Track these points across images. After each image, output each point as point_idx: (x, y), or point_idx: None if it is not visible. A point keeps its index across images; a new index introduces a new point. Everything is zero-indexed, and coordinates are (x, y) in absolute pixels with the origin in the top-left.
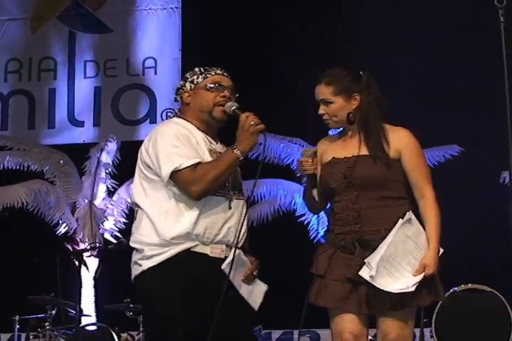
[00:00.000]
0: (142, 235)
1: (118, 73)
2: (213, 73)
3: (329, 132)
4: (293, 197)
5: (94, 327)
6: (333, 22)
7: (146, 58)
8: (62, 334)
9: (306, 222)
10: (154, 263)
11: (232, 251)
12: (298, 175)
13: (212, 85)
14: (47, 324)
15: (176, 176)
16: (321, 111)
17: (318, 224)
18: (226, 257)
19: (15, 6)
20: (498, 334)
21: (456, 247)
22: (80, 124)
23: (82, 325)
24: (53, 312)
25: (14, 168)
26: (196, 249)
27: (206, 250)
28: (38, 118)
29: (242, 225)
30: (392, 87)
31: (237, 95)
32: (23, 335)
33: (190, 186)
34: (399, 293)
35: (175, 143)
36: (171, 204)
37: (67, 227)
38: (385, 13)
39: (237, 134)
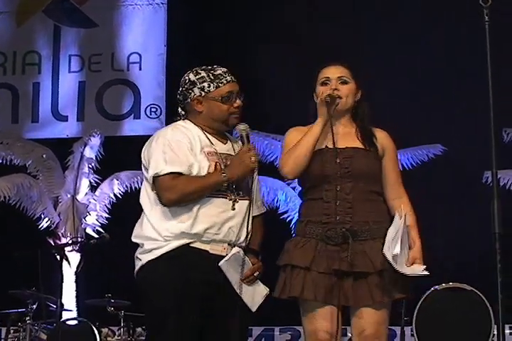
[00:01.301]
0: (143, 231)
1: (103, 68)
2: (225, 82)
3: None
4: (276, 195)
5: (75, 322)
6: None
7: (131, 53)
8: (42, 328)
9: (288, 220)
10: (153, 257)
11: (233, 250)
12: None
13: (227, 97)
14: (28, 318)
15: (156, 180)
16: (334, 86)
17: None
18: (228, 254)
19: (0, 0)
20: (478, 332)
21: (437, 246)
22: (64, 119)
23: (63, 319)
24: (34, 306)
25: None
26: (196, 245)
27: (206, 247)
28: (21, 112)
29: (247, 225)
30: (377, 86)
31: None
32: (4, 329)
33: (165, 192)
34: (407, 277)
35: (164, 149)
36: None
37: (49, 222)
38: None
39: (232, 159)
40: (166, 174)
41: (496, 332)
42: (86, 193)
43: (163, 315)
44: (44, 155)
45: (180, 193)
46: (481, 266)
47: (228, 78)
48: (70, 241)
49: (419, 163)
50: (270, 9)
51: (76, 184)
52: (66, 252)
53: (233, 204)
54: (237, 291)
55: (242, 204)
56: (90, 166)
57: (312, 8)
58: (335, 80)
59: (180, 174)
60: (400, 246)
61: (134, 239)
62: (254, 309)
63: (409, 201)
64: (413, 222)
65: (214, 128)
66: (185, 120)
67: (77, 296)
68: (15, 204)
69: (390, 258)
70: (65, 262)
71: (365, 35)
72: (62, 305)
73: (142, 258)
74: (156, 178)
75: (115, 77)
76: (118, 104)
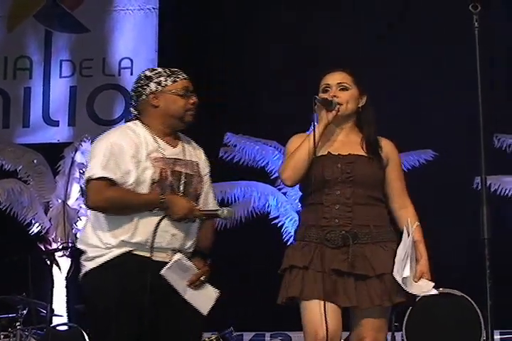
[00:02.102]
0: (86, 237)
1: (94, 73)
2: (181, 77)
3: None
4: (267, 200)
5: (65, 327)
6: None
7: (123, 58)
8: (33, 334)
9: (279, 225)
10: (96, 265)
11: (174, 256)
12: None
13: (184, 91)
14: (18, 324)
15: (88, 183)
16: (333, 94)
17: (291, 227)
18: (171, 260)
19: None
20: (468, 338)
21: (427, 251)
22: (55, 124)
23: (53, 325)
24: (24, 312)
25: None
26: (138, 252)
27: (149, 253)
28: (12, 117)
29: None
30: (368, 90)
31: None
32: None
33: (92, 196)
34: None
35: (105, 153)
36: None
37: (40, 227)
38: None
39: (181, 203)
40: (99, 178)
41: (485, 338)
42: (77, 198)
43: (103, 323)
44: (35, 161)
45: (106, 201)
46: (470, 271)
47: (184, 75)
48: (61, 247)
49: (410, 169)
50: (265, 12)
51: (67, 189)
52: (57, 257)
53: None
54: (185, 298)
55: None
56: (81, 171)
57: (310, 8)
58: (335, 87)
59: (111, 180)
60: (410, 268)
61: (78, 245)
62: (205, 313)
63: (415, 211)
64: (420, 235)
65: (169, 126)
66: (136, 121)
67: (67, 301)
68: (5, 209)
69: (399, 280)
70: (55, 267)
71: (363, 37)
72: (52, 310)
73: (86, 265)
74: (88, 181)
75: (106, 82)
76: (109, 109)
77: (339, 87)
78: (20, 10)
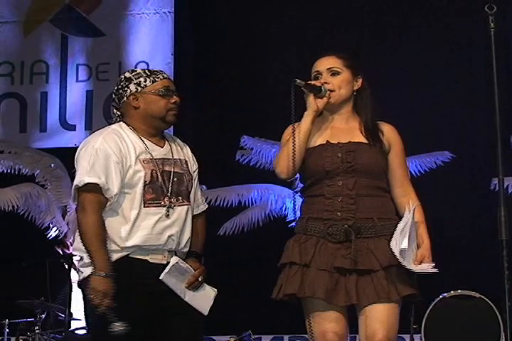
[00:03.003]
0: (81, 243)
1: (110, 77)
2: (161, 77)
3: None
4: (284, 202)
5: (83, 331)
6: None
7: (139, 62)
8: (51, 338)
9: None
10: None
11: (171, 260)
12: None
13: (163, 91)
14: (36, 328)
15: (78, 193)
16: (323, 80)
17: None
18: (168, 262)
19: (7, 10)
20: (487, 340)
21: (446, 253)
22: (72, 128)
23: (71, 328)
24: (43, 316)
25: (5, 171)
26: (135, 255)
27: (146, 257)
28: (29, 122)
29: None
30: (384, 90)
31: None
32: (13, 339)
33: (80, 210)
34: (401, 279)
35: (90, 160)
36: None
37: (57, 231)
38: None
39: (98, 287)
40: (86, 184)
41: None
42: None
43: (105, 331)
44: (52, 165)
45: (81, 226)
46: (488, 273)
47: (165, 75)
48: None
49: (427, 171)
50: (276, 16)
51: None
52: (74, 261)
53: (167, 212)
54: (186, 300)
55: (182, 210)
56: None
57: (320, 12)
58: (325, 73)
59: (97, 186)
60: (408, 241)
61: (74, 252)
62: (205, 313)
63: (417, 198)
64: (421, 218)
65: (152, 126)
66: (121, 123)
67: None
68: (23, 213)
69: (397, 253)
70: (73, 271)
71: (370, 37)
72: (70, 314)
73: (83, 271)
74: (78, 190)
75: None
76: None
77: (330, 72)
78: (36, 14)
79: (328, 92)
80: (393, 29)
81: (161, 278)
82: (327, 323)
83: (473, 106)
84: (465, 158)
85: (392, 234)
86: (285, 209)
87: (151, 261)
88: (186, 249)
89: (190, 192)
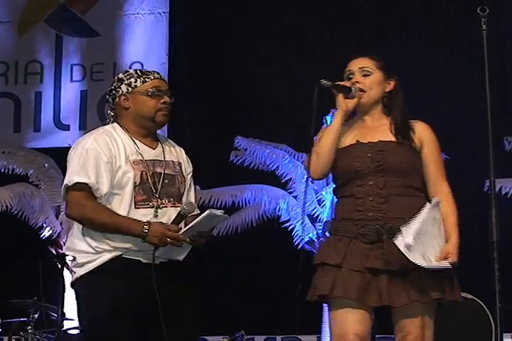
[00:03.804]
0: (74, 243)
1: (104, 77)
2: (152, 77)
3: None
4: (277, 203)
5: (76, 331)
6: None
7: (133, 63)
8: (44, 337)
9: (290, 228)
10: (86, 271)
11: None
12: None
13: (153, 91)
14: (29, 327)
15: (67, 192)
16: (355, 80)
17: (302, 231)
18: (161, 262)
19: (2, 10)
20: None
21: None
22: (66, 128)
23: (64, 328)
24: (36, 315)
25: None
26: (128, 255)
27: (139, 257)
28: (23, 122)
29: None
30: None
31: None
32: (6, 339)
33: (69, 206)
34: (420, 283)
35: (79, 160)
36: None
37: (51, 231)
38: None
39: (155, 229)
40: (75, 185)
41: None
42: None
43: (98, 331)
44: (46, 165)
45: (83, 216)
46: (481, 275)
47: (156, 75)
48: None
49: None
50: (276, 16)
51: None
52: (68, 261)
53: (155, 212)
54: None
55: (174, 212)
56: None
57: (320, 11)
58: (357, 73)
59: (89, 188)
60: (415, 236)
61: (66, 252)
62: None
63: (452, 195)
64: (451, 214)
65: (143, 127)
66: (114, 124)
67: None
68: (17, 213)
69: (401, 247)
70: (66, 271)
71: (370, 37)
72: (63, 314)
73: (76, 271)
74: (67, 189)
75: None
76: None
77: (361, 72)
78: (30, 15)
79: (359, 92)
80: (393, 29)
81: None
82: (350, 324)
83: (473, 106)
84: (459, 159)
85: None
86: (278, 210)
87: (143, 261)
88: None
89: (182, 194)
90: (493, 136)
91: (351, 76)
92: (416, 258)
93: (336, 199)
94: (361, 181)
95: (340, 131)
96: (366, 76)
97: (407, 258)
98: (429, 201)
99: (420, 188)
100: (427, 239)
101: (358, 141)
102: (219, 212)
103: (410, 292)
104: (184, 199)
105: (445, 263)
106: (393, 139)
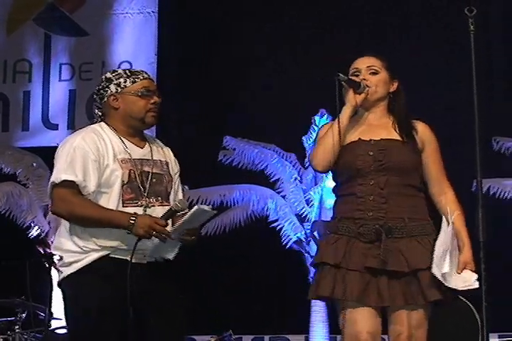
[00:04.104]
0: (61, 242)
1: (93, 76)
2: (141, 77)
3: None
4: (266, 203)
5: (64, 331)
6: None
7: (122, 62)
8: (32, 337)
9: (278, 228)
10: (73, 270)
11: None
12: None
13: (143, 91)
14: (17, 327)
15: (53, 189)
16: (362, 77)
17: (290, 230)
18: (148, 262)
19: None
20: (466, 340)
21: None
22: (54, 127)
23: (52, 328)
24: (23, 315)
25: None
26: (115, 255)
27: (126, 257)
28: (12, 121)
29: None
30: None
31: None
32: None
33: (55, 203)
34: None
35: (67, 158)
36: None
37: (39, 230)
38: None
39: (142, 221)
40: (62, 182)
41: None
42: None
43: (85, 330)
44: (34, 164)
45: (68, 213)
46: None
47: (145, 75)
48: None
49: None
50: (267, 15)
51: None
52: (55, 260)
53: (144, 211)
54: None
55: (162, 211)
56: None
57: (320, 11)
58: (364, 70)
59: (76, 185)
60: (450, 263)
61: (53, 251)
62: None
63: (455, 196)
64: (461, 224)
65: (131, 127)
66: (101, 123)
67: None
68: (4, 212)
69: (439, 276)
70: (54, 270)
71: (371, 37)
72: (51, 313)
73: (63, 271)
74: (53, 187)
75: None
76: None
77: (369, 70)
78: (19, 13)
79: (367, 88)
80: (393, 29)
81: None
82: (360, 323)
83: (456, 106)
84: (447, 159)
85: (422, 235)
86: (267, 210)
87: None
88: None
89: (169, 193)
90: (481, 136)
91: (357, 73)
92: (455, 284)
93: (335, 198)
94: (362, 180)
95: (347, 125)
96: (373, 74)
97: (429, 265)
98: (430, 199)
99: (420, 187)
100: (453, 256)
101: (360, 138)
102: (207, 208)
103: (407, 294)
104: (172, 198)
105: (475, 283)
106: (396, 137)
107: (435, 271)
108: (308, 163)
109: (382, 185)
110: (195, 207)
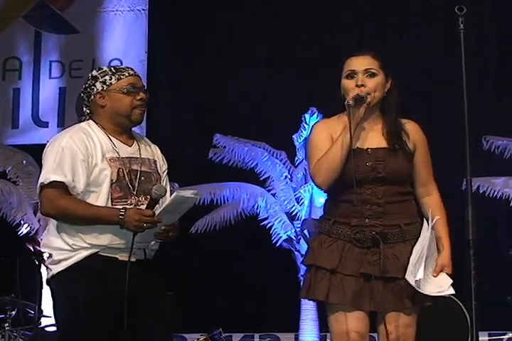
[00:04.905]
0: (50, 240)
1: (83, 74)
2: (127, 74)
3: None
4: (256, 201)
5: (53, 328)
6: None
7: (112, 60)
8: (21, 335)
9: (268, 226)
10: (62, 268)
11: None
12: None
13: (129, 88)
14: (6, 324)
15: (42, 189)
16: (360, 82)
17: (280, 228)
18: (138, 259)
19: None
20: (456, 339)
21: None
22: (44, 125)
23: (41, 325)
24: (13, 312)
25: None
26: (104, 253)
27: (115, 254)
28: (1, 118)
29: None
30: None
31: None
32: None
33: (46, 203)
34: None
35: (56, 158)
36: None
37: (28, 228)
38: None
39: (130, 215)
40: (51, 183)
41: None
42: None
43: (74, 327)
44: (24, 161)
45: (58, 211)
46: (456, 272)
47: (131, 72)
48: None
49: None
50: (258, 13)
51: None
52: (45, 258)
53: None
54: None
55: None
56: None
57: (320, 11)
58: (361, 74)
59: (64, 186)
60: (425, 266)
61: (42, 249)
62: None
63: (440, 198)
64: (443, 228)
65: (119, 125)
66: (89, 121)
67: None
68: None
69: (412, 283)
70: (43, 268)
71: (371, 37)
72: (41, 311)
73: (52, 268)
74: (42, 188)
75: None
76: None
77: (366, 73)
78: (9, 11)
79: (368, 97)
80: (393, 29)
81: (177, 193)
82: (350, 323)
83: (446, 105)
84: (437, 158)
85: (416, 238)
86: (257, 208)
87: (120, 258)
88: (155, 247)
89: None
90: (472, 136)
91: (354, 75)
92: (428, 290)
93: (326, 197)
94: (359, 189)
95: (351, 140)
96: (371, 76)
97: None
98: (418, 201)
99: (411, 192)
100: (430, 260)
101: (357, 147)
102: (188, 193)
103: (403, 299)
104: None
105: (450, 289)
106: (391, 145)
107: (409, 278)
108: (298, 162)
109: (380, 195)
110: (174, 194)
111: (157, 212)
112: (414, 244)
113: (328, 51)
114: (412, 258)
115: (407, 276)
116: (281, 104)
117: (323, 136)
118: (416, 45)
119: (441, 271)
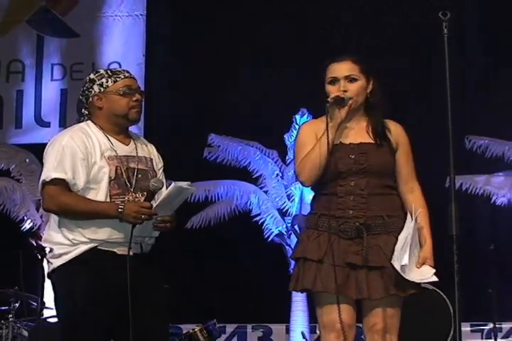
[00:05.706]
0: (51, 235)
1: (84, 76)
2: (122, 76)
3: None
4: (249, 198)
5: (55, 319)
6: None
7: (111, 63)
8: (24, 326)
9: (260, 222)
10: (63, 262)
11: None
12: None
13: (124, 90)
14: (10, 316)
15: (44, 187)
16: (342, 88)
17: (272, 224)
18: (134, 253)
19: None
20: (440, 331)
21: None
22: (46, 125)
23: (44, 317)
24: (17, 304)
25: None
26: (103, 247)
27: (114, 248)
28: (5, 119)
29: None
30: None
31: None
32: None
33: (47, 199)
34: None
35: (57, 156)
36: None
37: (31, 223)
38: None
39: (129, 207)
40: (52, 180)
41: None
42: None
43: (73, 319)
44: (27, 160)
45: (59, 207)
46: (440, 266)
47: (126, 74)
48: None
49: None
50: (255, 17)
51: None
52: (47, 252)
53: None
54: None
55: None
56: None
57: (320, 11)
58: (343, 80)
59: (65, 183)
60: (409, 255)
61: (44, 244)
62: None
63: (422, 195)
64: (425, 220)
65: (116, 125)
66: (88, 121)
67: None
68: None
69: (398, 268)
70: (45, 262)
71: (371, 37)
72: (43, 303)
73: (53, 262)
74: (43, 185)
75: None
76: None
77: (347, 79)
78: (13, 15)
79: (350, 101)
80: (393, 29)
81: (175, 184)
82: (336, 313)
83: (432, 104)
84: (421, 157)
85: (400, 231)
86: (250, 204)
87: (118, 252)
88: (151, 241)
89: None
90: (455, 135)
91: (336, 82)
92: (412, 277)
93: (313, 194)
94: (343, 181)
95: (334, 139)
96: (352, 81)
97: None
98: (401, 197)
99: (394, 187)
100: (414, 250)
101: (340, 142)
102: (185, 184)
103: (388, 286)
104: (157, 194)
105: (433, 277)
106: (374, 141)
107: (395, 263)
108: (289, 160)
109: (363, 186)
110: (173, 184)
111: (154, 205)
112: (398, 235)
113: (328, 51)
114: (398, 245)
115: (392, 261)
116: (274, 105)
117: (309, 136)
118: (416, 44)
119: (423, 263)
